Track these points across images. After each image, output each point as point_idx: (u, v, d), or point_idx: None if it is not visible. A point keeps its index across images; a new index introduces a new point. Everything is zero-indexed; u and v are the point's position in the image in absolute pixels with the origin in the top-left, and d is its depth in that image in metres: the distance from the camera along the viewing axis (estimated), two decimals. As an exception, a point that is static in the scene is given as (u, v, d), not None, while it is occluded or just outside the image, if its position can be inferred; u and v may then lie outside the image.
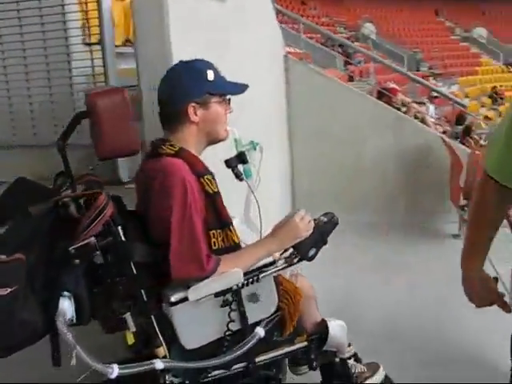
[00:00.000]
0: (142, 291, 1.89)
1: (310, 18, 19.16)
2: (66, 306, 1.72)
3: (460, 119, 10.07)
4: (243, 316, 2.04)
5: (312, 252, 2.13)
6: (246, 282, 2.01)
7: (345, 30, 21.89)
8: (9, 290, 1.58)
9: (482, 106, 20.68)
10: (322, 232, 2.16)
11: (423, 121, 8.35)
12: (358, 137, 5.82)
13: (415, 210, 5.74)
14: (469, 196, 5.24)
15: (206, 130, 2.12)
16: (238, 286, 2.00)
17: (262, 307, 2.08)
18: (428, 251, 5.11)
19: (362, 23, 24.45)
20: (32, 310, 1.65)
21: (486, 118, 19.29)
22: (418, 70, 20.94)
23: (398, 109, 6.84)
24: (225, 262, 1.98)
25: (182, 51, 2.63)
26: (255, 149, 3.92)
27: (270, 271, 2.07)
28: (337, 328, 2.40)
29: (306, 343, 2.29)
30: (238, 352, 2.00)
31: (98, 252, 1.78)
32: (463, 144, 7.51)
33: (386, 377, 2.68)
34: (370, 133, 5.81)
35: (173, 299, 1.94)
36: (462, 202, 5.29)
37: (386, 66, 8.69)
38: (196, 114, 2.08)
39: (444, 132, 9.05)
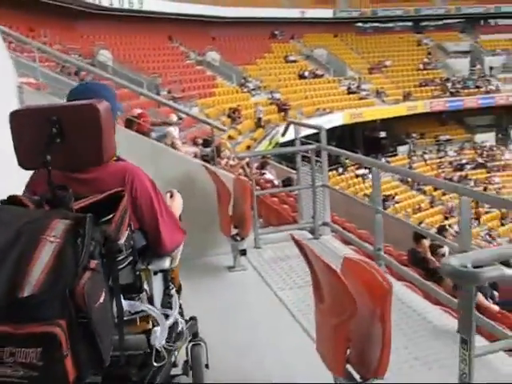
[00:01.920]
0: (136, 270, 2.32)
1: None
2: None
3: (207, 141, 10.01)
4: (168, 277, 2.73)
5: None
6: None
7: (80, 58, 20.97)
8: (103, 293, 1.90)
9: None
10: None
11: (173, 145, 8.06)
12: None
13: (185, 243, 5.31)
14: (239, 225, 4.98)
15: None
16: None
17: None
18: (204, 285, 4.73)
19: (97, 50, 23.78)
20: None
21: (229, 137, 19.94)
22: (158, 95, 20.87)
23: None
24: None
25: None
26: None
27: None
28: None
29: None
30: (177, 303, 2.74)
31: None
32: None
33: None
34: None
35: (162, 267, 2.53)
36: (233, 231, 5.00)
37: (131, 90, 8.19)
38: None
39: (194, 155, 8.88)
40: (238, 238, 4.95)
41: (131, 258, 2.24)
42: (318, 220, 5.71)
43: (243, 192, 4.93)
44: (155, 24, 28.95)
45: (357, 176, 29.08)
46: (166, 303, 2.64)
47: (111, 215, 2.08)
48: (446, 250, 6.72)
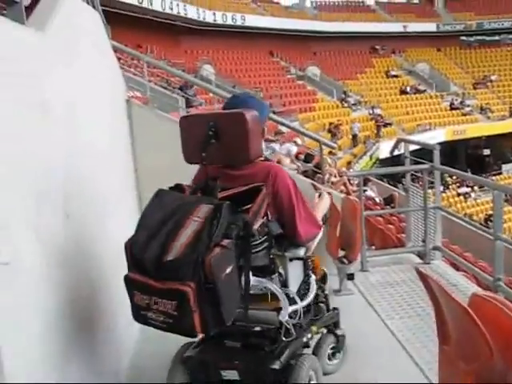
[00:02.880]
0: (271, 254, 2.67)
1: (148, 61, 18.59)
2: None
3: (308, 156, 9.85)
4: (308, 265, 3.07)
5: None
6: None
7: (184, 72, 21.50)
8: (231, 267, 2.33)
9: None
10: None
11: (279, 162, 7.96)
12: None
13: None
14: (347, 247, 4.75)
15: None
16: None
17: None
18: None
19: (200, 65, 24.30)
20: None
21: (330, 152, 19.67)
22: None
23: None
24: None
25: None
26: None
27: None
28: None
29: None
30: (314, 289, 3.06)
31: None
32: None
33: None
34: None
35: (296, 255, 2.89)
36: (340, 253, 4.78)
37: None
38: None
39: (296, 170, 8.73)
40: (346, 261, 4.72)
41: (266, 244, 2.63)
42: (428, 244, 5.39)
43: (352, 212, 4.70)
44: (256, 39, 29.38)
45: (458, 194, 27.99)
46: (305, 289, 3.01)
47: (250, 205, 2.53)
48: None
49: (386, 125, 28.81)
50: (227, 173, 2.70)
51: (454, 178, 26.07)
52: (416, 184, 6.16)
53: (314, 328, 3.12)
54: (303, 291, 2.99)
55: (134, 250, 2.38)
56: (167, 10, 24.32)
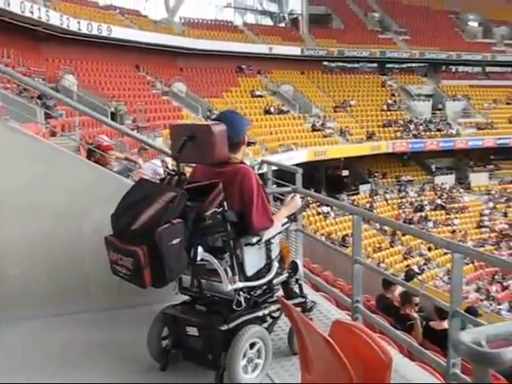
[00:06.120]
0: (231, 240, 3.39)
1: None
2: (200, 249, 3.24)
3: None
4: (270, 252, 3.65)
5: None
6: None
7: (44, 82, 20.49)
8: (178, 239, 3.08)
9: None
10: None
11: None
12: (78, 208, 4.70)
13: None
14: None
15: None
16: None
17: (276, 249, 3.73)
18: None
19: (62, 75, 23.32)
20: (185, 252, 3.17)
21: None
22: (122, 124, 20.50)
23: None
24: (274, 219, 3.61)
25: None
26: None
27: (284, 227, 3.91)
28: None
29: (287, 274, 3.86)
30: (273, 273, 3.65)
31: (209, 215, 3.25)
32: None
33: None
34: (90, 203, 4.70)
35: (250, 241, 3.48)
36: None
37: (93, 118, 7.72)
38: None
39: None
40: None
41: (221, 229, 3.33)
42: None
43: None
44: (123, 52, 28.76)
45: (318, 213, 29.03)
46: (265, 271, 3.62)
47: (207, 196, 3.25)
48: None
49: (249, 144, 29.25)
50: (213, 170, 3.48)
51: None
52: (279, 204, 6.22)
53: (273, 307, 3.66)
54: (263, 273, 3.60)
55: (112, 218, 3.27)
56: (27, 14, 22.77)
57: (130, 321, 4.40)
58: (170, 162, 10.07)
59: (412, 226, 26.25)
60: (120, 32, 29.09)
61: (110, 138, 10.58)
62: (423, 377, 3.87)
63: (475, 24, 47.74)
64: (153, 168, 8.01)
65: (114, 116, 20.73)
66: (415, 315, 6.49)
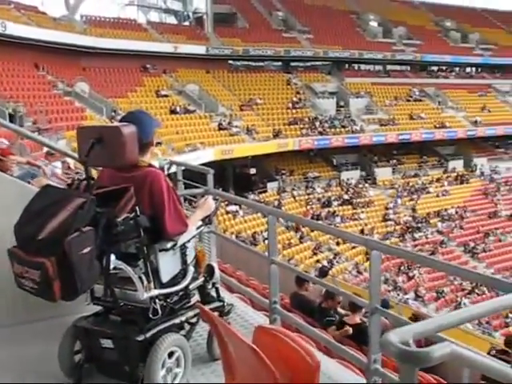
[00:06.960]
0: (144, 247, 3.24)
1: None
2: (113, 257, 3.09)
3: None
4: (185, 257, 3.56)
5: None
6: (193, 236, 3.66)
7: None
8: (89, 248, 2.91)
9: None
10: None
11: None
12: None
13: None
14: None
15: None
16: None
17: (191, 253, 3.65)
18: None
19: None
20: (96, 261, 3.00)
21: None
22: (21, 126, 19.64)
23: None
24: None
25: None
26: None
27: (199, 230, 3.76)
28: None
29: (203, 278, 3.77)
30: (189, 278, 3.56)
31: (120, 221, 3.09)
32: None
33: None
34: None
35: (164, 247, 3.35)
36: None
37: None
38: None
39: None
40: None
41: (134, 234, 3.18)
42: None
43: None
44: (20, 50, 27.40)
45: (227, 212, 29.06)
46: (181, 277, 3.52)
47: (117, 202, 3.10)
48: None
49: (156, 144, 28.83)
50: (121, 175, 3.34)
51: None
52: (189, 206, 6.13)
53: (190, 313, 3.57)
54: (179, 279, 3.50)
55: (15, 228, 3.03)
56: None
57: (37, 335, 4.13)
58: (71, 162, 9.77)
59: (320, 221, 26.83)
60: (16, 29, 27.69)
61: (9, 142, 10.07)
62: (348, 376, 3.89)
63: (375, 24, 49.42)
64: (51, 170, 7.71)
65: (12, 118, 19.85)
66: (342, 311, 6.62)
